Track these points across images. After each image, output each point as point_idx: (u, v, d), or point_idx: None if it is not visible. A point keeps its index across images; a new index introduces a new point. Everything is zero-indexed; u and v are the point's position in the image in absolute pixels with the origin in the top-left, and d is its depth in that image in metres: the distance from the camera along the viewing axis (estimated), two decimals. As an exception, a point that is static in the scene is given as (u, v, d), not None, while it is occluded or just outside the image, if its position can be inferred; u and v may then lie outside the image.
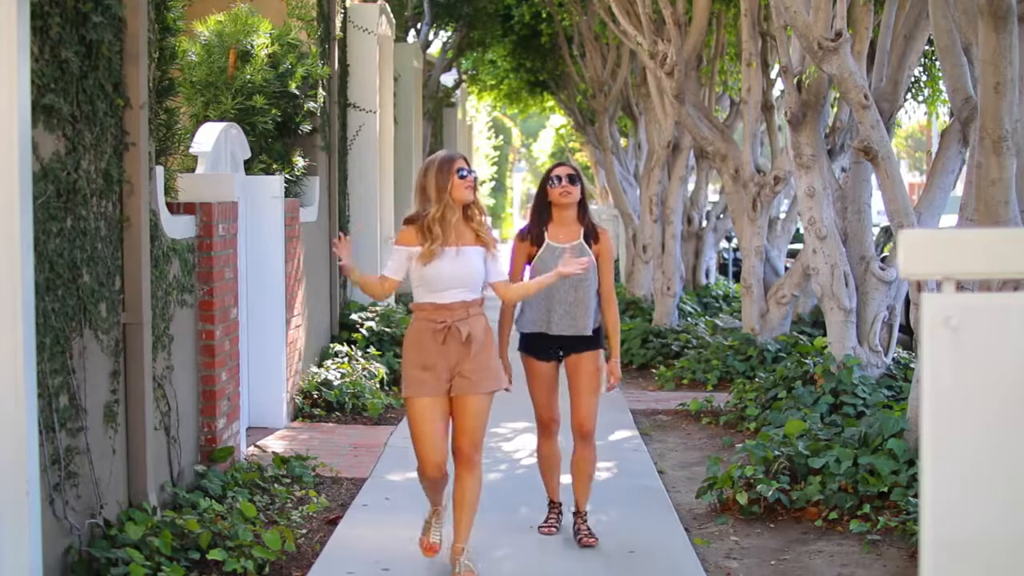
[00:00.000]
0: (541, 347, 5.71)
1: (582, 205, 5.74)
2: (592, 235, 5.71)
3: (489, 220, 5.53)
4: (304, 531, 5.87)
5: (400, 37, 15.91)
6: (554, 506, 5.96)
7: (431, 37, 18.92)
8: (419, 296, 5.18)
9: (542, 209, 5.72)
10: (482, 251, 5.16)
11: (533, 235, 5.71)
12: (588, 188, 5.65)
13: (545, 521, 5.94)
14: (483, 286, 5.22)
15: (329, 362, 9.66)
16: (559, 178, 5.67)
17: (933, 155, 8.88)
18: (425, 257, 5.06)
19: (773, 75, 12.32)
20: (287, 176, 9.01)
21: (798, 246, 13.89)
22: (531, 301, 5.65)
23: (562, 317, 5.66)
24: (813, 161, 8.49)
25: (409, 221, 5.20)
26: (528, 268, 5.74)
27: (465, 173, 5.11)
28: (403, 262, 5.16)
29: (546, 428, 5.82)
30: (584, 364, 5.71)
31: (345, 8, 11.68)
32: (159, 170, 5.81)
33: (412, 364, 5.14)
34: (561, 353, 5.75)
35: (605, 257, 5.73)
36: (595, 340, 5.74)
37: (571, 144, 31.35)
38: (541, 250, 5.67)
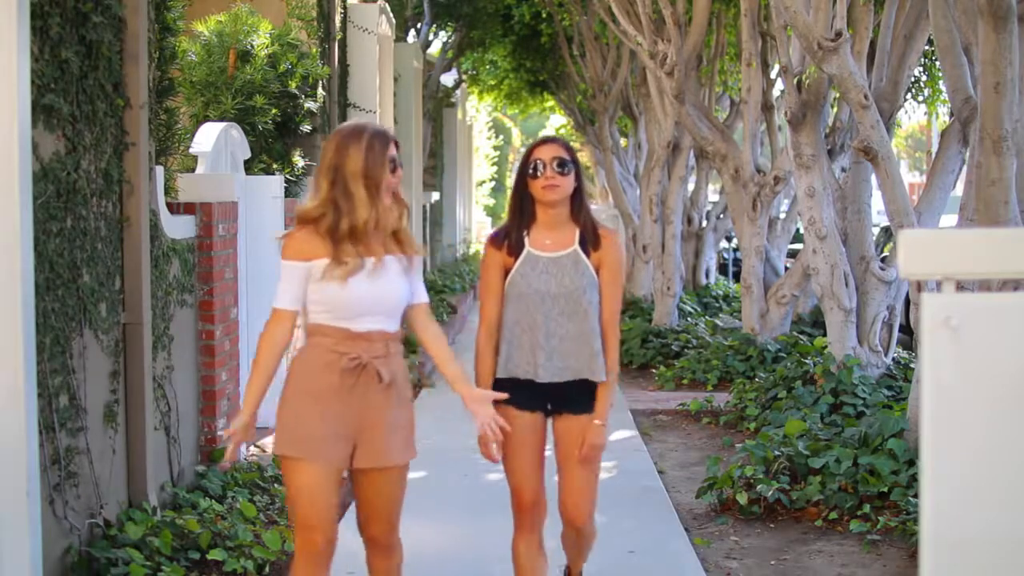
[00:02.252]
0: (524, 396, 4.16)
1: (578, 198, 4.16)
2: (592, 239, 4.15)
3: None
4: (304, 531, 5.87)
5: (400, 37, 15.91)
6: None
7: (431, 37, 18.92)
8: (318, 317, 3.78)
9: (522, 204, 4.16)
10: (403, 262, 3.80)
11: (510, 240, 4.16)
12: (586, 179, 4.27)
13: None
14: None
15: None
16: (542, 164, 4.08)
17: (933, 155, 8.88)
18: (339, 276, 3.69)
19: (773, 75, 12.33)
20: (287, 176, 9.01)
21: (798, 246, 13.89)
22: (513, 333, 4.14)
23: (553, 357, 4.11)
24: (813, 161, 8.49)
25: (304, 220, 3.74)
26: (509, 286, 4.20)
27: (398, 165, 3.79)
28: (301, 283, 3.75)
29: (526, 515, 4.22)
30: (579, 429, 4.18)
31: (345, 8, 11.67)
32: (159, 170, 5.81)
33: (300, 408, 3.75)
34: (550, 407, 4.21)
35: (610, 270, 4.15)
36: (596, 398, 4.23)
37: (571, 144, 31.36)
38: (519, 262, 4.13)
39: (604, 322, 4.17)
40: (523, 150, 4.10)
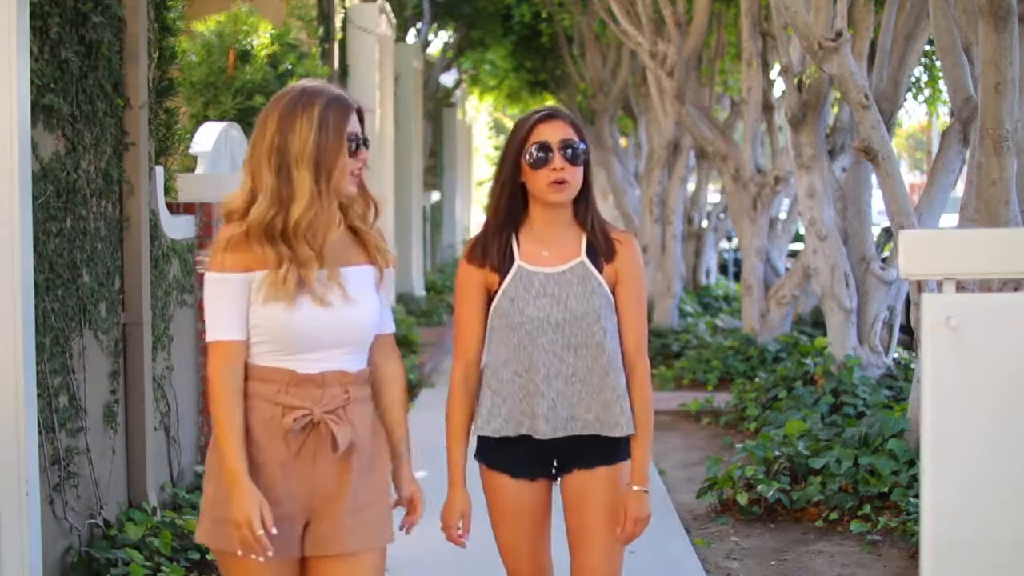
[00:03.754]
0: (519, 459, 3.22)
1: (584, 193, 3.21)
2: (603, 246, 3.20)
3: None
4: (304, 531, 5.86)
5: (400, 37, 15.92)
6: None
7: (431, 37, 18.93)
8: (260, 356, 2.84)
9: (511, 200, 3.18)
10: (373, 275, 2.93)
11: (494, 252, 3.18)
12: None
13: None
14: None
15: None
16: (546, 149, 3.12)
17: (934, 155, 8.88)
18: (282, 294, 2.78)
19: (773, 75, 12.33)
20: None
21: (798, 246, 13.89)
22: (500, 378, 3.18)
23: (557, 405, 3.16)
24: (813, 161, 8.48)
25: (236, 218, 2.84)
26: (494, 317, 3.24)
27: (360, 143, 2.88)
28: (240, 302, 2.82)
29: None
30: (598, 488, 3.22)
31: (345, 8, 11.67)
32: (159, 170, 5.81)
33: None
34: (556, 468, 3.26)
35: (630, 284, 3.20)
36: (620, 444, 3.23)
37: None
38: (507, 281, 3.16)
39: (628, 354, 3.20)
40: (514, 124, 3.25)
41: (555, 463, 3.25)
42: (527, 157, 3.13)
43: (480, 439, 3.25)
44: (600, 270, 3.19)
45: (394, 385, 3.04)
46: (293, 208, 2.79)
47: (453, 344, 3.30)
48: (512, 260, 3.19)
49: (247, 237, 2.81)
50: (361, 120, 2.91)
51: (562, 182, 3.13)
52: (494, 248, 3.19)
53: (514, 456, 3.22)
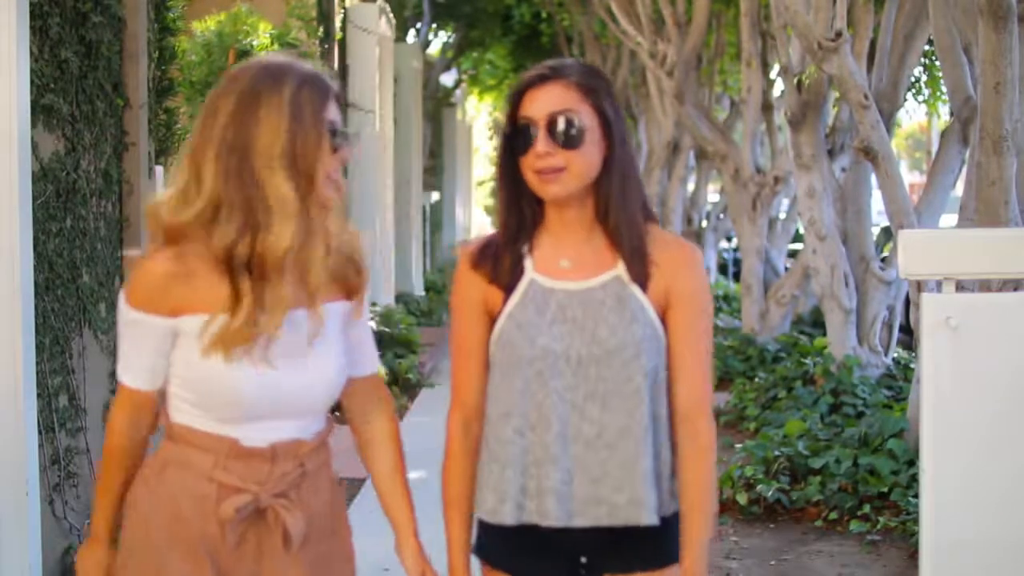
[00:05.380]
0: (530, 555, 2.35)
1: (607, 183, 2.29)
2: (642, 255, 2.30)
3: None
4: (304, 531, 5.86)
5: (400, 37, 15.92)
6: None
7: (431, 37, 18.93)
8: (185, 413, 2.19)
9: (517, 194, 2.33)
10: (344, 313, 2.28)
11: (501, 259, 2.34)
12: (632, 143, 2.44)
13: None
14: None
15: (329, 362, 9.64)
16: (527, 126, 2.27)
17: (933, 155, 8.89)
18: (234, 344, 2.11)
19: (773, 75, 12.33)
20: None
21: (798, 246, 13.89)
22: (500, 429, 2.32)
23: (575, 476, 2.28)
24: (813, 161, 8.49)
25: (175, 236, 2.14)
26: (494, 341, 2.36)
27: (341, 136, 2.20)
28: (159, 348, 2.17)
29: None
30: None
31: (345, 8, 11.68)
32: (159, 170, 5.81)
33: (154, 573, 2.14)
34: (585, 563, 2.36)
35: (685, 310, 2.31)
36: (668, 538, 2.33)
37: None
38: (515, 298, 2.32)
39: (683, 410, 2.30)
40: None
41: (583, 560, 2.34)
42: (517, 139, 2.29)
43: (480, 524, 2.39)
44: (644, 288, 2.28)
45: (387, 447, 2.41)
46: (275, 229, 2.07)
47: (451, 380, 2.42)
48: (522, 271, 2.31)
49: (185, 264, 2.09)
50: (340, 107, 2.25)
51: (547, 172, 2.24)
52: (504, 257, 2.32)
53: (524, 550, 2.33)
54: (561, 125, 2.25)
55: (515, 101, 2.31)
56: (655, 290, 2.30)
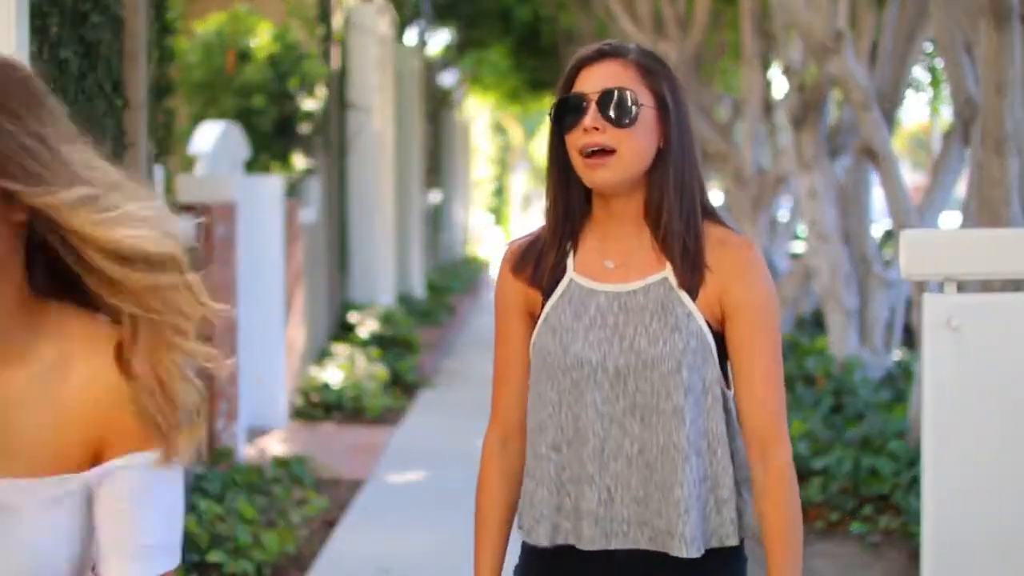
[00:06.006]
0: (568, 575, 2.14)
1: (661, 175, 2.06)
2: (696, 258, 2.06)
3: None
4: (303, 532, 5.86)
5: (400, 37, 15.91)
6: None
7: (431, 37, 18.93)
8: None
9: (563, 188, 2.12)
10: (84, 481, 1.34)
11: (544, 259, 2.13)
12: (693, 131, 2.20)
13: None
14: None
15: (329, 362, 9.65)
16: (579, 100, 2.06)
17: (935, 155, 8.88)
18: None
19: (774, 75, 12.33)
20: (287, 176, 9.00)
21: (799, 246, 13.88)
22: (536, 444, 2.11)
23: (615, 496, 2.07)
24: (814, 161, 8.48)
25: None
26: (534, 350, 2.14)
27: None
28: None
29: None
30: None
31: (345, 8, 11.67)
32: (159, 170, 5.80)
33: None
34: None
35: (749, 319, 2.06)
36: (726, 572, 2.29)
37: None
38: (552, 299, 2.11)
39: (753, 433, 2.10)
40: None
41: None
42: (562, 118, 2.08)
43: (522, 545, 2.20)
44: (694, 295, 2.05)
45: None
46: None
47: (492, 393, 2.23)
48: (564, 271, 2.11)
49: None
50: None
51: (595, 158, 2.02)
52: (546, 256, 2.12)
53: (563, 572, 2.14)
54: (614, 101, 2.04)
55: (569, 78, 2.12)
56: (707, 297, 2.06)
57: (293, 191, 9.29)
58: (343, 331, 10.92)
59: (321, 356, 9.98)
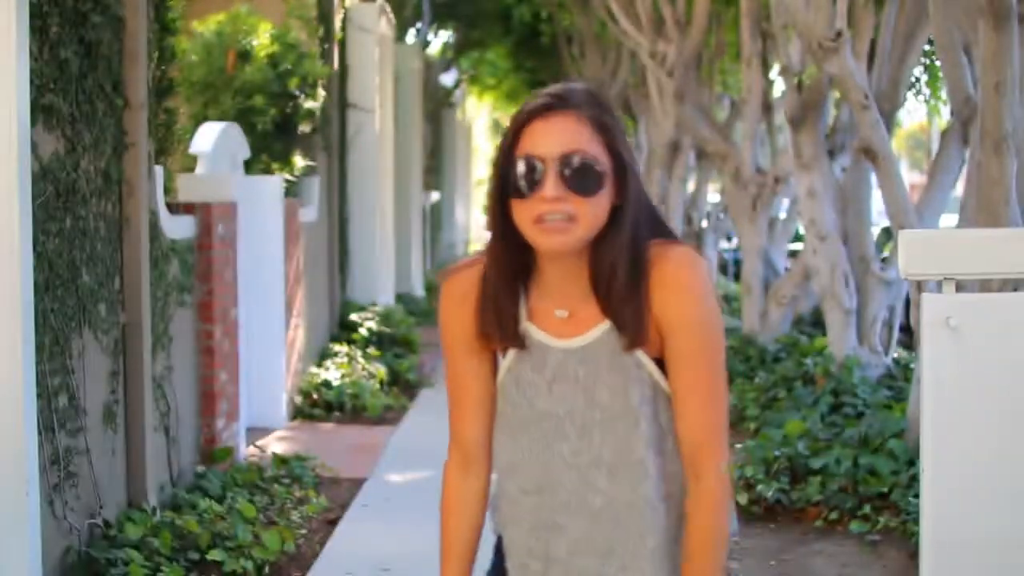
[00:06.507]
0: None
1: (614, 238, 1.98)
2: (636, 324, 2.00)
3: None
4: (304, 531, 5.87)
5: (400, 37, 15.92)
6: None
7: (431, 37, 18.93)
8: None
9: (509, 240, 2.01)
10: None
11: (493, 305, 2.05)
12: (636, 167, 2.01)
13: None
14: None
15: (329, 362, 9.66)
16: (533, 166, 1.93)
17: (933, 155, 8.89)
18: None
19: (773, 75, 12.33)
20: (287, 176, 9.01)
21: (798, 246, 13.90)
22: (506, 483, 2.13)
23: (579, 549, 2.08)
24: (813, 161, 8.49)
25: None
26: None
27: None
28: None
29: None
30: None
31: (345, 8, 11.68)
32: (159, 170, 5.81)
33: None
34: None
35: (682, 336, 2.00)
36: None
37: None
38: (512, 358, 2.09)
39: (685, 452, 2.03)
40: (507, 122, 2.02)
41: None
42: (514, 178, 1.94)
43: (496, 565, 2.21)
44: (635, 338, 2.01)
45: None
46: None
47: (449, 420, 2.19)
48: (517, 321, 2.05)
49: None
50: None
51: (553, 228, 1.93)
52: (499, 303, 2.04)
53: None
54: (575, 167, 1.92)
55: (515, 132, 1.96)
56: (651, 334, 2.01)
57: (293, 191, 9.29)
58: (343, 331, 10.93)
59: (321, 356, 9.99)
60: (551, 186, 1.91)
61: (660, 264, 1.99)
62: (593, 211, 1.94)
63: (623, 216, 1.97)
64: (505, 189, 1.97)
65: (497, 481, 2.13)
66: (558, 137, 1.93)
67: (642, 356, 2.01)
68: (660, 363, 2.03)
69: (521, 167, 1.93)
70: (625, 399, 2.01)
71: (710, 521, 2.01)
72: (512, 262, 2.02)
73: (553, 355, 2.04)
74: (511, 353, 2.07)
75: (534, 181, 1.92)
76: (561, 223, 1.92)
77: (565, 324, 2.03)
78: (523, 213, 1.94)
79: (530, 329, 2.05)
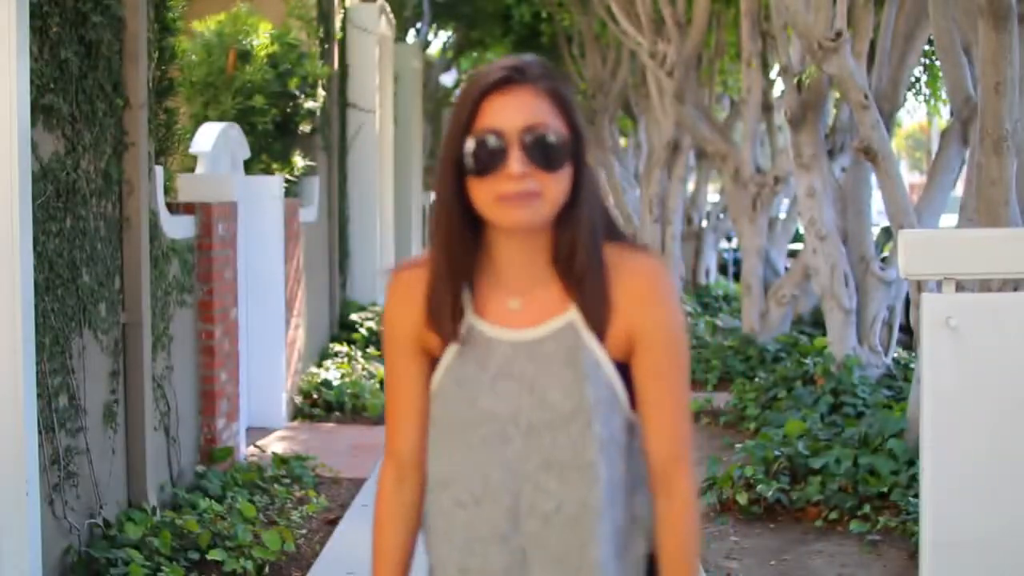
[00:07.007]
0: None
1: (574, 215, 1.89)
2: (601, 304, 1.90)
3: None
4: (304, 531, 5.87)
5: (400, 37, 15.92)
6: None
7: (431, 37, 18.93)
8: None
9: (460, 224, 1.90)
10: None
11: (438, 300, 1.93)
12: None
13: None
14: None
15: (329, 362, 9.66)
16: (496, 140, 1.83)
17: (933, 155, 8.89)
18: None
19: (773, 75, 12.33)
20: (287, 176, 9.01)
21: (798, 246, 13.90)
22: (440, 498, 2.00)
23: (528, 557, 1.95)
24: (813, 161, 8.49)
25: None
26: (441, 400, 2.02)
27: None
28: None
29: None
30: None
31: (345, 8, 11.68)
32: (159, 170, 5.81)
33: None
34: None
35: (651, 346, 1.93)
36: None
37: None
38: (454, 350, 1.95)
39: (655, 465, 1.97)
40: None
41: None
42: (468, 155, 1.86)
43: None
44: (602, 336, 1.92)
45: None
46: None
47: (385, 428, 2.10)
48: (461, 314, 1.93)
49: None
50: None
51: (521, 197, 1.84)
52: (443, 297, 1.92)
53: None
54: (540, 141, 1.84)
55: (472, 108, 1.85)
56: (614, 335, 1.92)
57: (293, 191, 9.29)
58: (343, 331, 10.93)
59: (321, 356, 9.99)
60: (516, 162, 1.82)
61: (632, 271, 1.92)
62: (557, 186, 1.85)
63: (580, 188, 1.89)
64: (460, 167, 1.87)
65: (429, 498, 2.02)
66: (519, 111, 1.84)
67: (602, 356, 1.91)
68: (618, 368, 1.95)
69: (481, 143, 1.84)
70: (579, 398, 1.90)
71: (685, 538, 1.96)
72: (464, 249, 1.91)
73: (500, 349, 1.92)
74: (451, 351, 1.94)
75: (496, 158, 1.83)
76: (526, 198, 1.83)
77: (518, 315, 1.93)
78: (483, 192, 1.85)
79: (476, 323, 1.93)
